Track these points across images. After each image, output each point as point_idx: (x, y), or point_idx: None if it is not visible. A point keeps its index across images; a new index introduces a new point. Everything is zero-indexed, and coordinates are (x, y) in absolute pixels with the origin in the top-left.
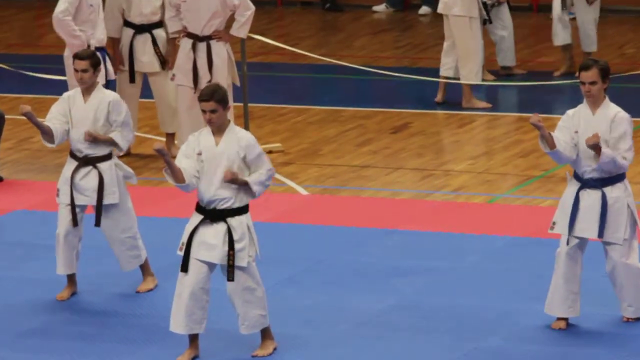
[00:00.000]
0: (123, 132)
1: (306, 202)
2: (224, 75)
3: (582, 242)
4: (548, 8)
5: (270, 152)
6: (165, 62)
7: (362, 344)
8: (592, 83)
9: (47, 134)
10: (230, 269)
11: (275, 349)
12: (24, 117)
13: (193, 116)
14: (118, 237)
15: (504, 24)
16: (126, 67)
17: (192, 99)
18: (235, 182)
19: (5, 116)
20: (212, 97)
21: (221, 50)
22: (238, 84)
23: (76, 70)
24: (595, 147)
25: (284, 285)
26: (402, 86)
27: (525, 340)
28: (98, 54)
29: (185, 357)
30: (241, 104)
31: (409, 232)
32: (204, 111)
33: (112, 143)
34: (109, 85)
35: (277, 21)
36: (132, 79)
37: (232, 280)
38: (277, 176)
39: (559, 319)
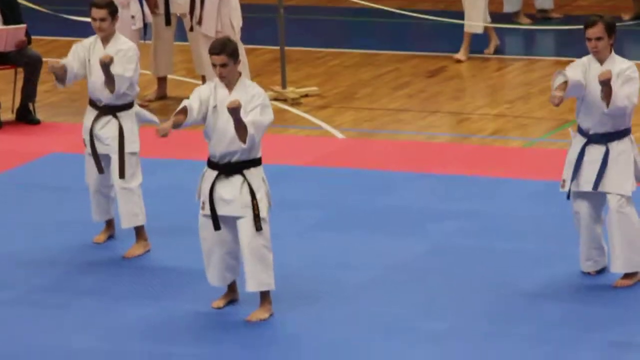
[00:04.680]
0: (123, 76)
1: (342, 146)
2: (212, 18)
3: (597, 197)
4: None
5: (306, 95)
6: None
7: (395, 288)
8: (598, 39)
9: (64, 73)
10: (257, 219)
11: (271, 315)
12: (61, 60)
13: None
14: (121, 186)
15: None
16: (161, 10)
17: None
18: (237, 113)
19: (43, 59)
20: (223, 50)
21: None
22: (237, 28)
23: (94, 19)
24: (607, 83)
25: (318, 229)
26: (438, 29)
27: (559, 286)
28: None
29: (222, 300)
30: (277, 48)
31: (444, 176)
32: (214, 65)
33: (109, 78)
34: (146, 28)
35: None
36: (167, 22)
37: (260, 229)
38: (314, 120)
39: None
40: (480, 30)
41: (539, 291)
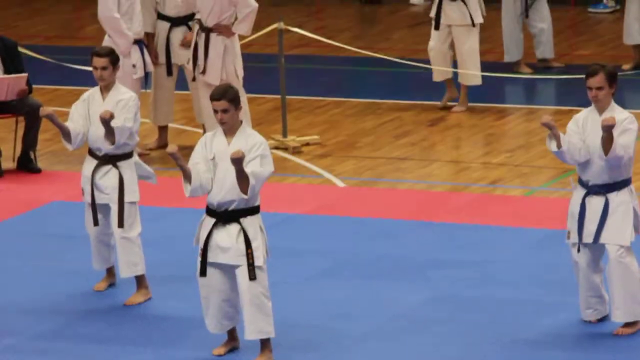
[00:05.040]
0: (124, 126)
1: (343, 194)
2: (217, 68)
3: (596, 247)
4: (586, 1)
5: (307, 144)
6: None
7: (397, 337)
8: (599, 88)
9: (68, 135)
10: (250, 268)
11: None
12: (63, 109)
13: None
14: (120, 235)
15: (543, 17)
16: (163, 60)
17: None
18: (240, 164)
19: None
20: (224, 96)
21: (218, 44)
22: (240, 77)
23: (95, 68)
24: (610, 130)
25: (320, 277)
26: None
27: (561, 334)
28: (119, 51)
29: (223, 348)
30: (279, 96)
31: (445, 224)
32: (215, 111)
33: (109, 132)
34: (148, 77)
35: (316, 14)
36: (169, 72)
37: (255, 278)
38: (315, 168)
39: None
40: (478, 82)
41: (541, 340)
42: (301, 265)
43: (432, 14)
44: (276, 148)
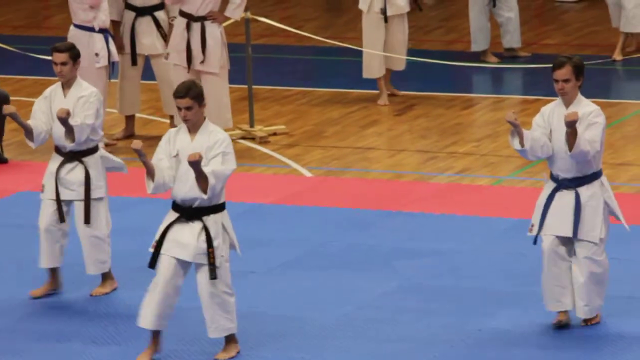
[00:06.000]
0: (83, 124)
1: (310, 184)
2: (217, 56)
3: (563, 238)
4: None
5: (274, 134)
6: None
7: (364, 327)
8: (566, 81)
9: (30, 133)
10: (212, 267)
11: (238, 352)
12: (29, 99)
13: None
14: (89, 234)
15: (510, 6)
16: (128, 50)
17: (186, 78)
18: (197, 166)
19: (10, 97)
20: (188, 93)
21: (215, 32)
22: (228, 67)
23: (55, 64)
24: (573, 125)
25: (287, 267)
26: (406, 68)
27: (527, 323)
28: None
29: (146, 355)
30: (245, 86)
31: (413, 214)
32: (179, 108)
33: (68, 130)
34: (114, 67)
35: (282, 3)
36: (134, 62)
37: (215, 278)
38: (282, 158)
39: (560, 312)
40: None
41: (508, 330)
42: (268, 255)
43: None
44: (243, 138)
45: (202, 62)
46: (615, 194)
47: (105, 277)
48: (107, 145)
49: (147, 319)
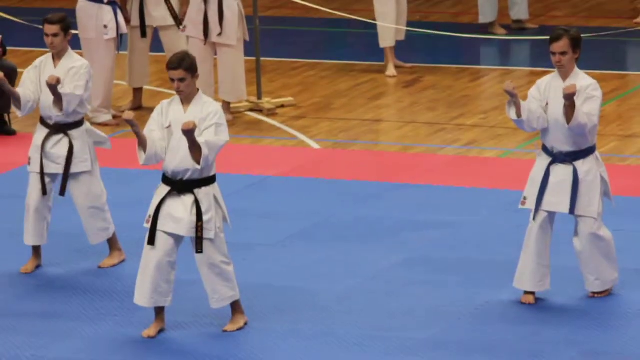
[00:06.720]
0: (73, 94)
1: (318, 156)
2: (234, 28)
3: (552, 215)
4: None
5: (282, 106)
6: (177, 16)
7: (372, 298)
8: (563, 53)
9: (18, 101)
10: (198, 241)
11: (246, 323)
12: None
13: (203, 69)
14: (87, 206)
15: None
16: (137, 22)
17: (202, 50)
18: (191, 135)
19: (18, 69)
20: (181, 65)
21: (232, 4)
22: (247, 39)
23: (46, 35)
24: (571, 98)
25: (294, 240)
26: (415, 40)
27: (536, 295)
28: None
29: (151, 331)
30: (253, 58)
31: (421, 186)
32: (172, 79)
33: (57, 98)
34: (122, 39)
35: None
36: (143, 34)
37: (201, 252)
38: (290, 130)
39: (526, 293)
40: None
41: (516, 300)
42: (276, 227)
43: None
44: (251, 110)
45: (219, 34)
46: (623, 166)
47: (113, 248)
48: (114, 117)
49: (144, 297)
